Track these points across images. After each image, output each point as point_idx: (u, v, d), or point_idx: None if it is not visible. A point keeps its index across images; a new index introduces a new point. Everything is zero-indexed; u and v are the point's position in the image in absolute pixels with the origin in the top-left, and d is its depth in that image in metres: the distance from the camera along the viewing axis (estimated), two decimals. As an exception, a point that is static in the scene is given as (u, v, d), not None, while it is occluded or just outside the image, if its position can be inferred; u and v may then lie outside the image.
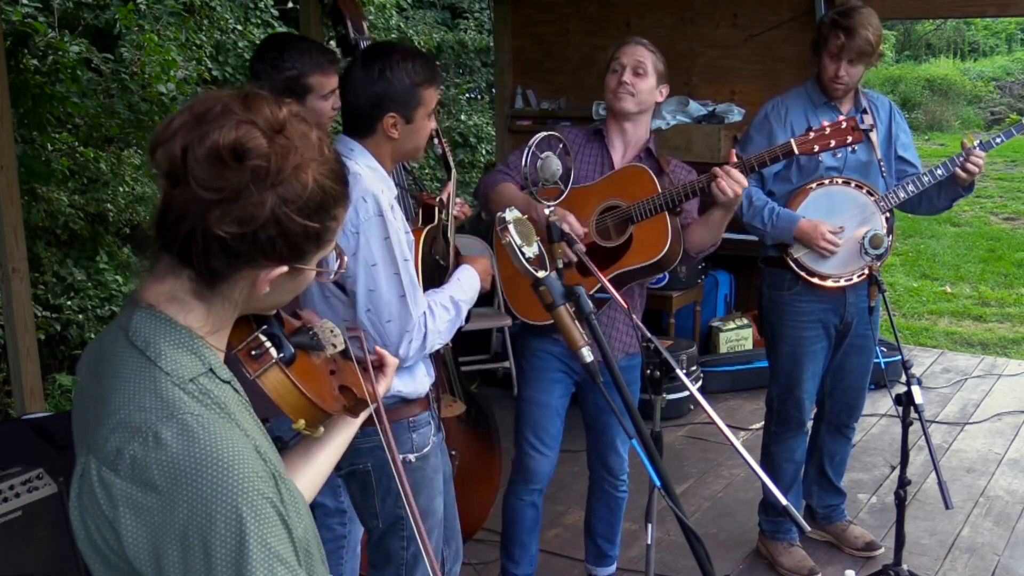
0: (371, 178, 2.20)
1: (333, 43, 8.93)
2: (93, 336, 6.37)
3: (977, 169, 3.19)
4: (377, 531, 2.39)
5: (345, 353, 1.48)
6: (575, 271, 2.83)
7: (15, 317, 3.89)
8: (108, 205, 6.72)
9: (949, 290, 8.16)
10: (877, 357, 3.42)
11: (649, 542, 2.08)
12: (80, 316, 6.38)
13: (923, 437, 2.84)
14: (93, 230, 6.80)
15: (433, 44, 10.37)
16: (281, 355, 1.27)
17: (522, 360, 3.11)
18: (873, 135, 3.28)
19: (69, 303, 6.38)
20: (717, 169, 2.76)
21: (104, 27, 7.12)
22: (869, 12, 3.17)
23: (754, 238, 5.13)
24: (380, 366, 1.60)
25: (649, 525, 2.04)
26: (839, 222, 3.22)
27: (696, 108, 5.71)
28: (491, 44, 9.30)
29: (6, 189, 3.80)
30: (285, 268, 1.19)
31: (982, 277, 8.48)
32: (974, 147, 3.21)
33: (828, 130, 2.81)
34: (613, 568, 3.35)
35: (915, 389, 2.88)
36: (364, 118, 2.25)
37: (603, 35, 6.11)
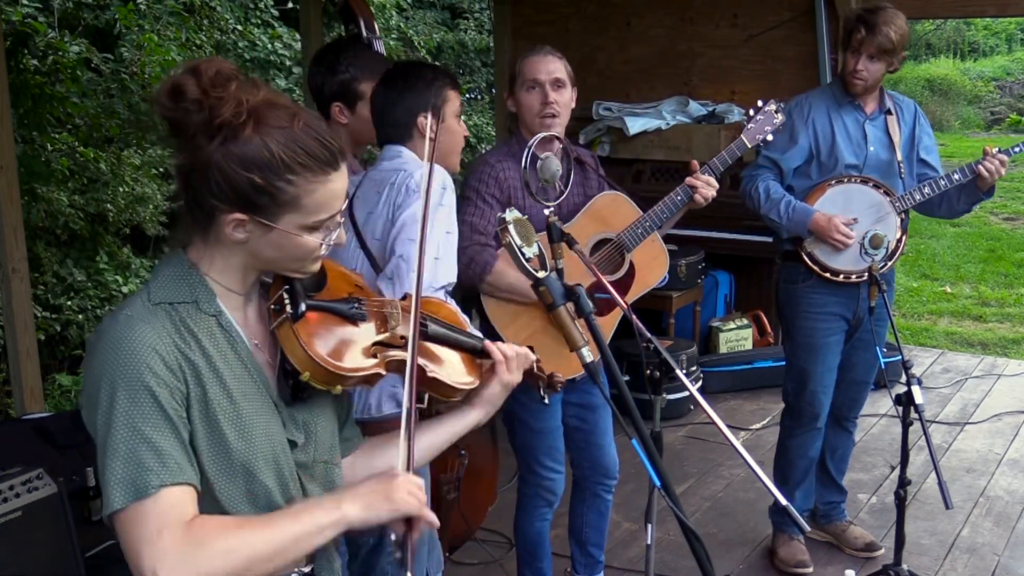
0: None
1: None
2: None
3: (999, 170, 3.26)
4: (367, 547, 2.39)
5: (434, 339, 1.61)
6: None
7: (15, 317, 3.89)
8: (108, 205, 6.72)
9: (949, 290, 8.16)
10: (877, 357, 3.45)
11: (649, 542, 2.07)
12: (80, 316, 6.38)
13: (923, 437, 2.84)
14: (93, 230, 6.80)
15: (433, 44, 10.37)
16: (291, 312, 1.41)
17: (519, 392, 3.00)
18: (895, 135, 3.36)
19: (69, 303, 6.38)
20: (692, 180, 2.87)
21: (104, 27, 7.13)
22: (896, 13, 3.23)
23: (754, 238, 5.20)
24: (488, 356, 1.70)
25: (649, 525, 2.04)
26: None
27: (696, 108, 5.71)
28: (491, 44, 9.30)
29: (6, 189, 3.80)
30: (243, 216, 1.35)
31: (982, 277, 8.48)
32: (996, 151, 3.28)
33: (759, 117, 3.06)
34: (602, 574, 3.32)
35: (915, 389, 2.88)
36: (400, 126, 2.41)
37: (603, 35, 6.11)
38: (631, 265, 2.95)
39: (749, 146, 3.07)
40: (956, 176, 3.32)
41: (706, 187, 2.87)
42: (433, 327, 1.62)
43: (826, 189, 3.32)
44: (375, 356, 1.50)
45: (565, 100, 2.85)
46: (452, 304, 2.30)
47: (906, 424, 2.97)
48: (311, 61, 2.85)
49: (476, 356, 1.70)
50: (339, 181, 1.40)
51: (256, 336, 1.46)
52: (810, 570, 3.55)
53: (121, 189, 6.77)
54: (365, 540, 2.37)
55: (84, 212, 6.62)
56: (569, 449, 3.10)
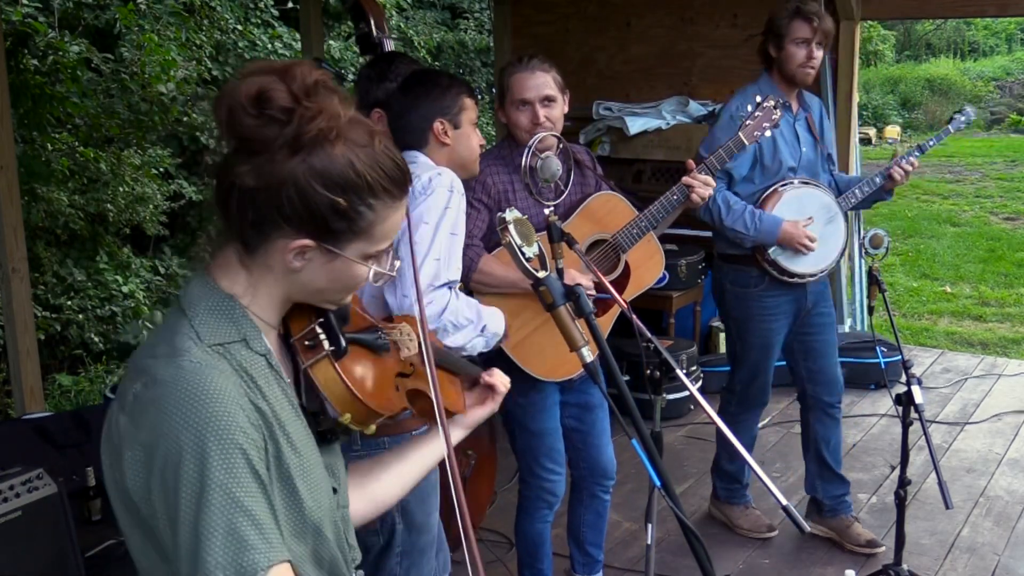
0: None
1: (331, 42, 8.93)
2: (93, 336, 6.39)
3: (911, 169, 3.43)
4: (376, 548, 2.39)
5: (439, 366, 1.53)
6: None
7: (15, 317, 3.90)
8: (108, 205, 6.72)
9: (949, 290, 8.16)
10: (877, 357, 3.49)
11: (649, 542, 2.07)
12: (80, 316, 6.38)
13: (923, 437, 2.84)
14: (93, 230, 6.80)
15: (433, 44, 10.37)
16: (332, 348, 1.30)
17: (518, 395, 2.87)
18: (816, 133, 3.50)
19: (69, 303, 6.39)
20: (688, 179, 2.87)
21: (104, 27, 7.13)
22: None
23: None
24: (487, 386, 1.67)
25: (649, 525, 2.04)
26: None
27: (696, 108, 5.71)
28: (491, 44, 9.30)
29: (6, 189, 3.81)
30: (310, 242, 1.21)
31: (982, 277, 8.47)
32: (912, 151, 3.48)
33: (758, 113, 3.05)
34: (600, 573, 3.31)
35: (915, 389, 2.88)
36: (416, 131, 2.43)
37: (603, 35, 6.11)
38: (626, 265, 2.95)
39: (747, 143, 3.07)
40: (878, 179, 3.47)
41: (702, 186, 2.87)
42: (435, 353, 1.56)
43: (781, 194, 3.39)
44: (398, 388, 1.44)
45: (556, 115, 2.81)
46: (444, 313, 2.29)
47: (906, 424, 2.97)
48: (364, 64, 2.88)
49: (472, 383, 1.68)
50: (404, 208, 1.31)
51: (286, 374, 1.33)
52: (776, 532, 3.73)
53: (121, 189, 6.77)
54: (375, 541, 2.38)
55: (84, 212, 6.62)
56: (567, 449, 3.10)
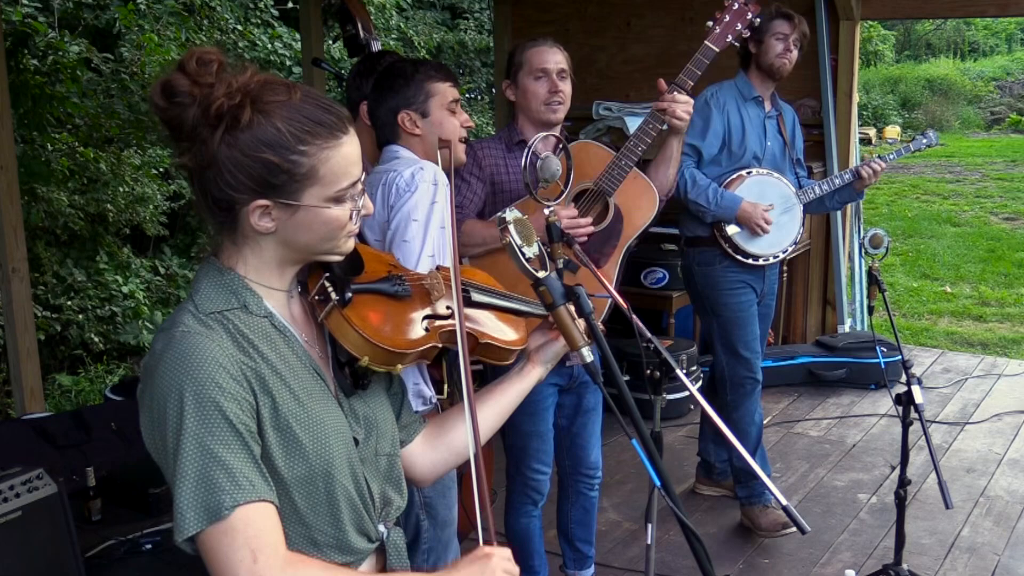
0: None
1: (331, 42, 8.93)
2: (93, 336, 6.40)
3: (877, 173, 3.61)
4: None
5: (479, 306, 1.63)
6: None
7: (15, 317, 3.90)
8: (108, 205, 6.72)
9: (949, 290, 8.16)
10: (877, 357, 3.50)
11: (649, 542, 2.07)
12: (80, 316, 6.38)
13: (923, 437, 2.84)
14: (93, 230, 6.80)
15: (433, 44, 10.37)
16: (338, 299, 1.39)
17: None
18: (786, 134, 3.71)
19: (69, 303, 6.39)
20: (660, 104, 2.81)
21: (104, 27, 7.13)
22: None
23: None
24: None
25: (649, 525, 2.04)
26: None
27: (696, 108, 5.71)
28: (491, 44, 9.30)
29: (6, 189, 3.81)
30: (266, 201, 1.31)
31: (982, 277, 8.47)
32: (875, 158, 3.66)
33: (727, 17, 2.92)
34: (592, 569, 3.33)
35: (915, 389, 2.89)
36: (387, 126, 2.45)
37: (603, 35, 6.11)
38: (617, 209, 2.87)
39: (717, 50, 2.91)
40: (847, 176, 3.67)
41: (675, 104, 2.79)
42: (476, 295, 1.63)
43: (745, 179, 3.58)
44: (427, 330, 1.51)
45: (569, 90, 2.89)
46: None
47: (906, 424, 2.97)
48: (355, 64, 2.91)
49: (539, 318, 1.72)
50: (351, 145, 1.36)
51: (304, 333, 1.43)
52: (793, 529, 3.67)
53: (121, 189, 6.78)
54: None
55: (84, 212, 6.62)
56: (558, 445, 3.12)
